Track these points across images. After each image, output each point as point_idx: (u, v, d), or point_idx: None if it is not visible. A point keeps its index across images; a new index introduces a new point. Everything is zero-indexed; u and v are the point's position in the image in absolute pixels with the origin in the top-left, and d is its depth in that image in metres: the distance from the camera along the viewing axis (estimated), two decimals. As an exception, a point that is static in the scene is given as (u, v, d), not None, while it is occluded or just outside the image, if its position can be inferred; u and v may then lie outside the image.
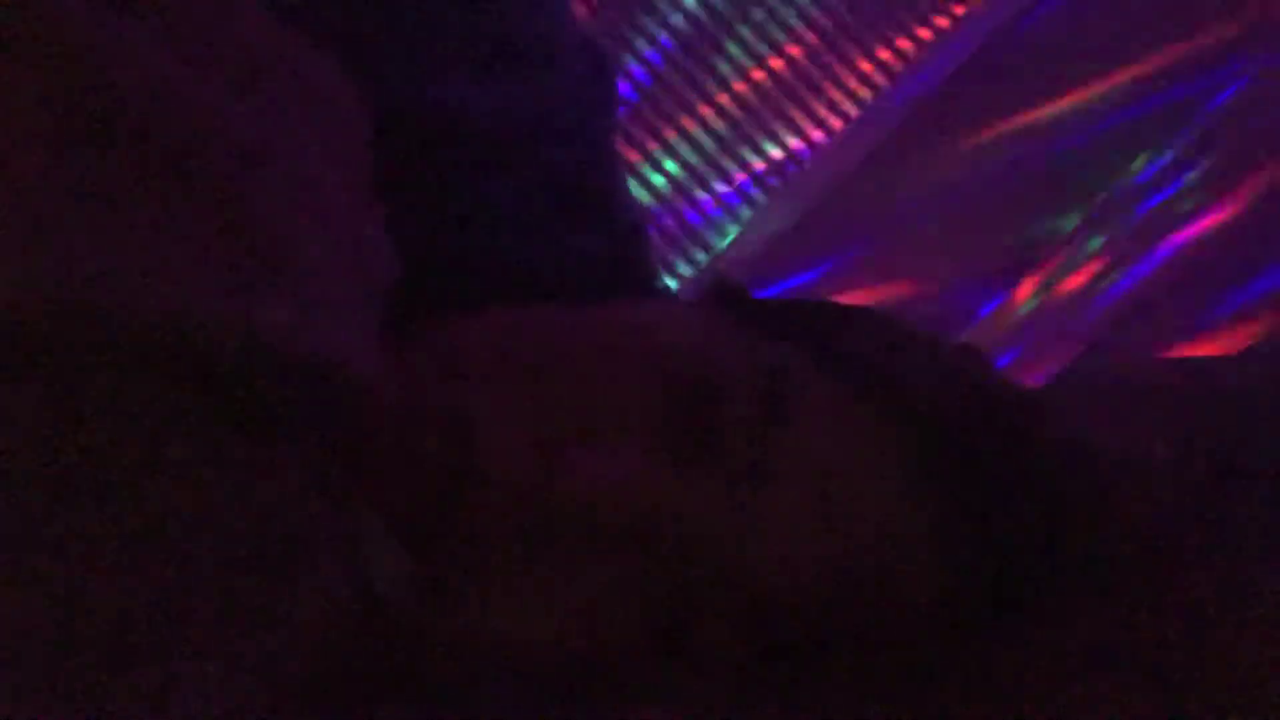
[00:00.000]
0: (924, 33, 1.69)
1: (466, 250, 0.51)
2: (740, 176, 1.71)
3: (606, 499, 0.39)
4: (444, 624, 0.39)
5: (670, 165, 1.70)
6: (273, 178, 0.35)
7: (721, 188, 1.71)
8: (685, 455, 0.41)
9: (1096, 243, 1.36)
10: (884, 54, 1.71)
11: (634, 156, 1.65)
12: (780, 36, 1.71)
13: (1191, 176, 1.34)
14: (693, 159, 1.71)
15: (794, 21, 1.74)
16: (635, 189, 1.64)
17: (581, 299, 0.50)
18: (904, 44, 1.70)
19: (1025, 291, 1.40)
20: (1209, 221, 1.21)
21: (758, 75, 1.71)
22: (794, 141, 1.71)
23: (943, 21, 1.68)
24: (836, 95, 1.72)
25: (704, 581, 0.40)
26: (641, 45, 1.68)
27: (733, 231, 1.69)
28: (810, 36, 1.72)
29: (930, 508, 0.43)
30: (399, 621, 0.38)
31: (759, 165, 1.72)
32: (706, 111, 1.70)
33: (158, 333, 0.31)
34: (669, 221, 1.68)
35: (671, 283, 1.63)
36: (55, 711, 0.29)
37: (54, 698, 0.29)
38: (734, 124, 1.71)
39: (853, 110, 1.70)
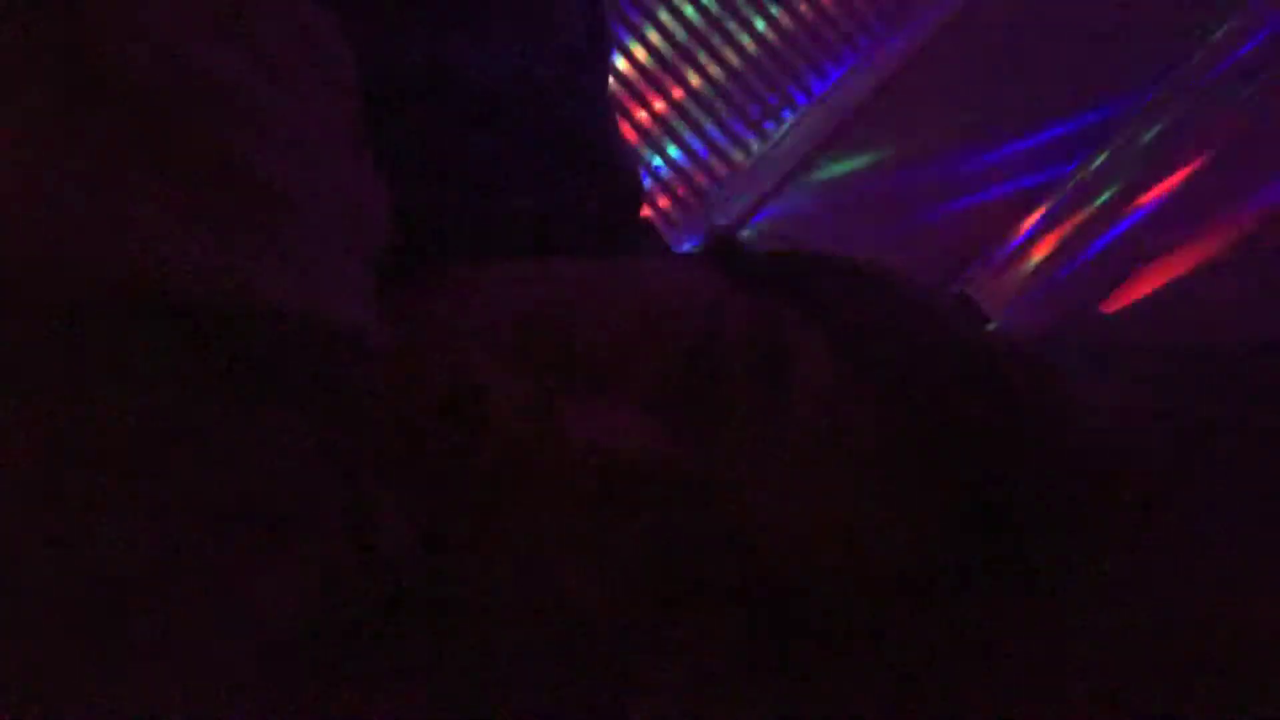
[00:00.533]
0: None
1: (461, 204, 0.50)
2: (729, 119, 1.70)
3: (609, 455, 0.39)
4: (448, 582, 0.39)
5: (659, 105, 1.69)
6: (263, 130, 0.34)
7: (710, 128, 1.70)
8: (686, 412, 0.41)
9: (1077, 202, 1.36)
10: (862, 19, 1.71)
11: (622, 96, 1.64)
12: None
13: (1142, 148, 1.35)
14: (681, 101, 1.69)
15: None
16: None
17: (577, 252, 0.50)
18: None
19: (1007, 250, 1.41)
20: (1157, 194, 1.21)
21: (739, 24, 1.70)
22: (771, 95, 1.70)
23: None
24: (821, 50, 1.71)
25: (705, 536, 0.41)
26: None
27: (721, 172, 1.68)
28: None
29: (922, 465, 0.43)
30: (404, 580, 0.38)
31: (749, 110, 1.71)
32: (697, 53, 1.69)
33: (149, 286, 0.30)
34: (658, 166, 1.68)
35: (656, 220, 1.63)
36: (56, 665, 0.29)
37: (55, 652, 0.29)
38: (724, 65, 1.69)
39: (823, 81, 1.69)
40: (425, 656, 0.39)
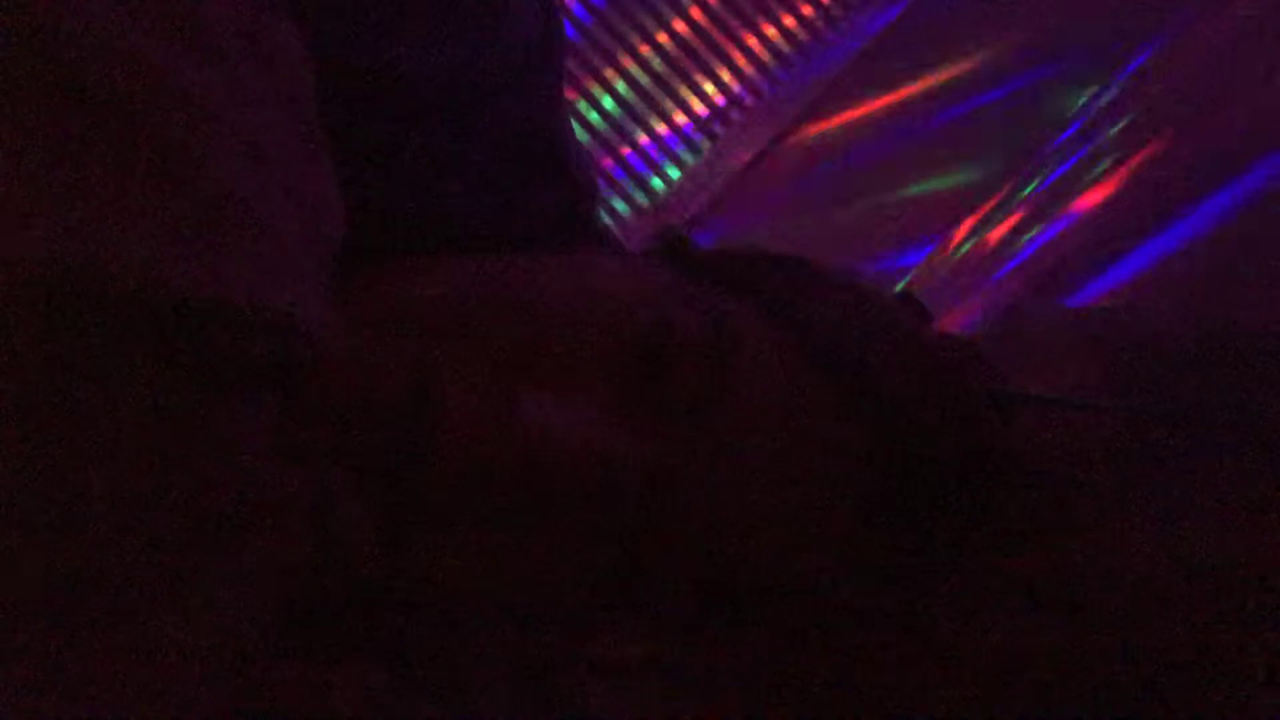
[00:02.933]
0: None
1: (415, 205, 0.51)
2: (680, 120, 1.71)
3: (562, 449, 0.40)
4: (405, 573, 0.40)
5: (609, 104, 1.69)
6: (222, 134, 0.35)
7: (661, 129, 1.71)
8: (637, 405, 0.42)
9: (1017, 199, 1.38)
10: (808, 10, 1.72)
11: (573, 95, 1.65)
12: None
13: (1104, 138, 1.37)
14: (631, 100, 1.70)
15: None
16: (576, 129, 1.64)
17: (531, 250, 0.51)
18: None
19: (949, 245, 1.43)
20: (1113, 185, 1.24)
21: (687, 25, 1.71)
22: (719, 98, 1.71)
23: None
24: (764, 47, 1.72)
25: (656, 525, 0.42)
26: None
27: (672, 173, 1.69)
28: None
29: (861, 453, 0.45)
30: (361, 572, 0.38)
31: (698, 110, 1.72)
32: (645, 52, 1.70)
33: (119, 290, 0.31)
34: (607, 162, 1.68)
35: (608, 220, 1.64)
36: (28, 654, 0.30)
37: (27, 642, 0.30)
38: (673, 67, 1.70)
39: (783, 61, 1.71)
40: (384, 646, 0.40)
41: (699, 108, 1.72)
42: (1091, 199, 1.27)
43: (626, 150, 1.71)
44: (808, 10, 1.73)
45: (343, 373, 0.39)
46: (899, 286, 1.36)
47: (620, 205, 1.68)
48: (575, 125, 1.65)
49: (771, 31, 1.73)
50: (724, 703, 0.42)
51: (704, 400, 0.43)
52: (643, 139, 1.70)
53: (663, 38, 1.71)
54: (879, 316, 0.49)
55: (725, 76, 1.72)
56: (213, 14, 0.37)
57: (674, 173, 1.70)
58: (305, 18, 0.42)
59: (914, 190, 1.54)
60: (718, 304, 0.45)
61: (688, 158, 1.71)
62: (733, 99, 1.72)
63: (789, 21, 1.73)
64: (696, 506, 0.42)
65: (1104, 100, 1.48)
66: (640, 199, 1.69)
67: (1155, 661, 0.41)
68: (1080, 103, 1.49)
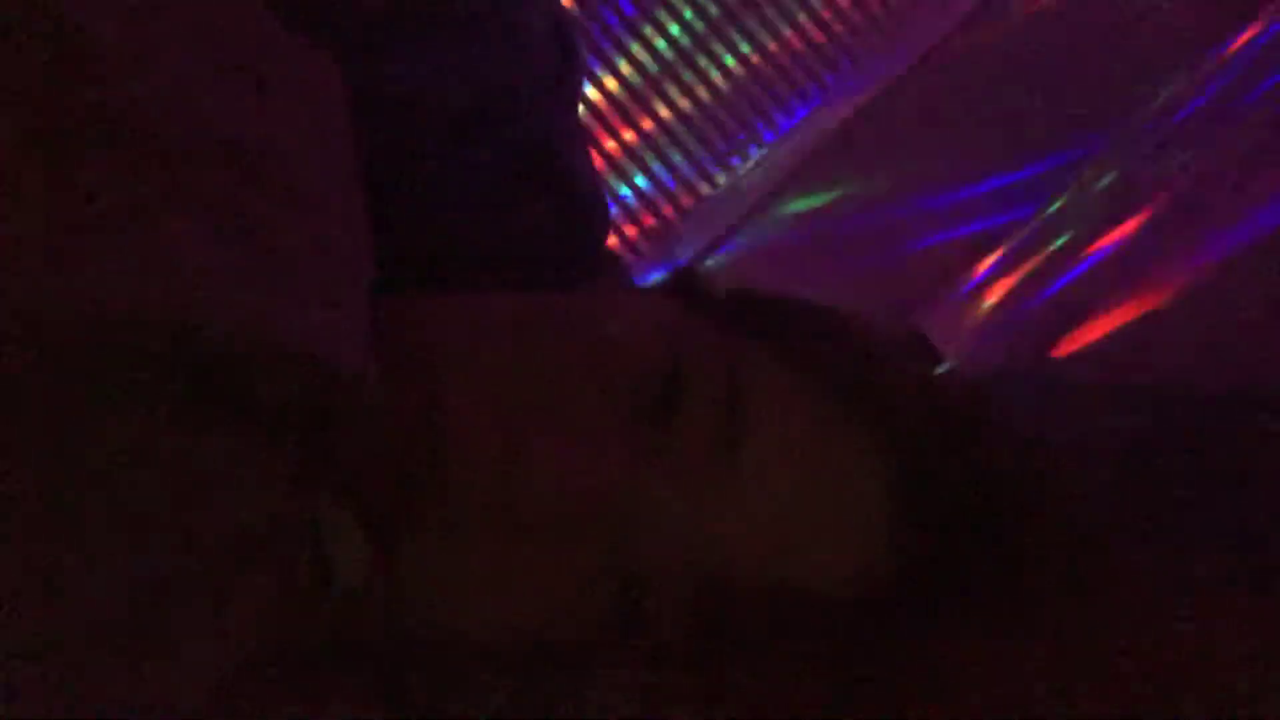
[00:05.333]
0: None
1: (423, 224, 0.51)
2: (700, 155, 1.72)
3: (570, 491, 0.40)
4: (403, 610, 0.40)
5: (628, 137, 1.70)
6: (268, 180, 0.35)
7: (679, 161, 1.71)
8: (650, 448, 0.42)
9: (1037, 242, 1.38)
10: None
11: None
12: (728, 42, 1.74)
13: (1134, 171, 1.37)
14: (651, 138, 1.71)
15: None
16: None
17: (538, 275, 0.51)
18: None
19: (963, 286, 1.43)
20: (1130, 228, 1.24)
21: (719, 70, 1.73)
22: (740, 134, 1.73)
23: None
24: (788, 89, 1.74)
25: (661, 567, 0.42)
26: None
27: (686, 207, 1.70)
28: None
29: (878, 496, 0.44)
30: (359, 607, 0.38)
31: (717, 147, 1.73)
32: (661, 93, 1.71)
33: (168, 334, 0.31)
34: (623, 191, 1.69)
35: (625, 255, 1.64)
36: (37, 683, 0.30)
37: (37, 670, 0.30)
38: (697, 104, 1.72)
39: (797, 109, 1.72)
40: (379, 685, 0.39)
41: (717, 141, 1.73)
42: (1109, 240, 1.26)
43: (641, 181, 1.71)
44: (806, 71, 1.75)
45: (360, 409, 0.38)
46: (910, 324, 1.36)
47: (634, 234, 1.68)
48: (592, 153, 1.65)
49: (799, 60, 1.74)
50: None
51: (718, 445, 0.42)
52: (659, 170, 1.71)
53: (685, 73, 1.72)
54: (895, 363, 0.49)
55: (745, 109, 1.74)
56: (258, 53, 0.37)
57: (688, 204, 1.71)
58: (323, 36, 0.42)
59: (928, 236, 1.55)
60: (732, 346, 0.45)
61: (703, 188, 1.71)
62: (751, 133, 1.73)
63: (810, 60, 1.74)
64: (695, 546, 0.42)
65: (1114, 151, 1.48)
66: (655, 229, 1.70)
67: None
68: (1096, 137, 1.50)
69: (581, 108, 0.63)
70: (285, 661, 0.36)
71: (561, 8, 0.60)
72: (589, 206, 0.58)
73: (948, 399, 0.48)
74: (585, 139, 0.62)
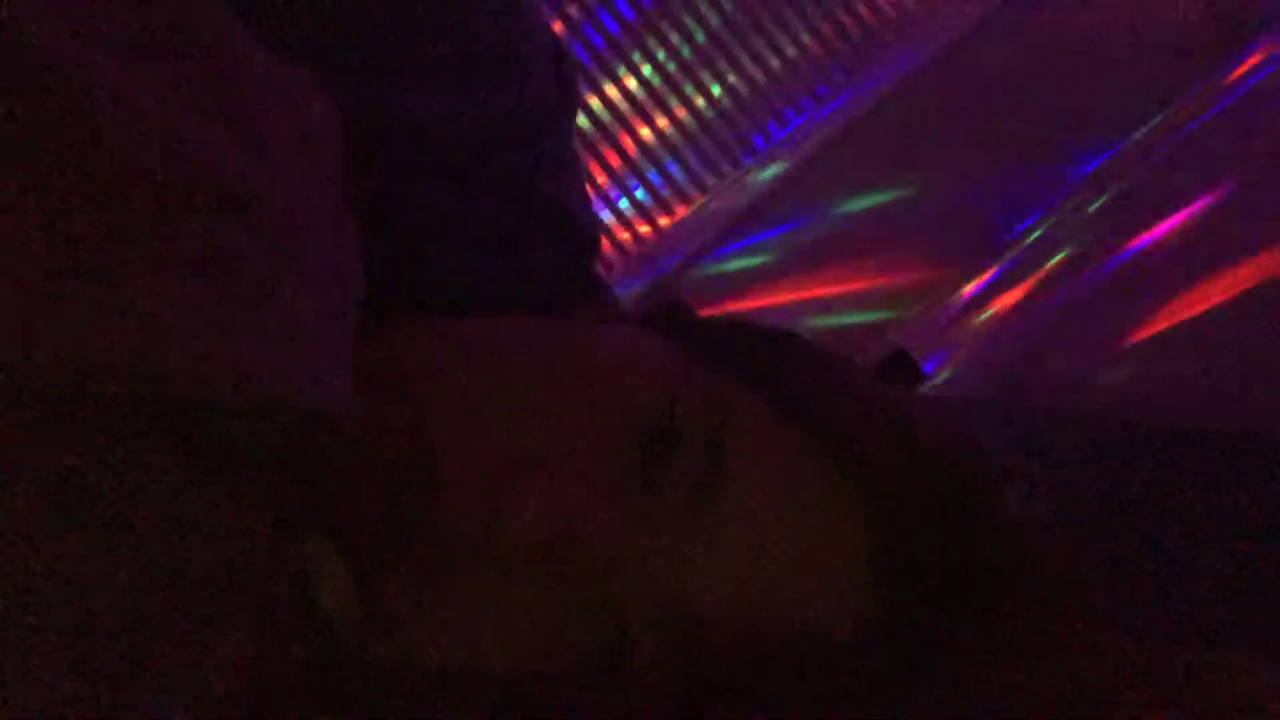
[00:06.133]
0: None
1: (416, 257, 0.51)
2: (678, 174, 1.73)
3: (556, 535, 0.40)
4: (385, 646, 0.40)
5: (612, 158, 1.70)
6: (256, 219, 0.35)
7: (656, 180, 1.72)
8: (635, 490, 0.42)
9: (1033, 257, 1.38)
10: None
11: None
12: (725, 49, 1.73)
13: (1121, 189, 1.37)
14: (631, 156, 1.71)
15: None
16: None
17: (530, 308, 0.51)
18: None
19: (945, 302, 1.43)
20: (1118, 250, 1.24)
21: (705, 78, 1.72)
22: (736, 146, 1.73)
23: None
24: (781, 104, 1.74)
25: (644, 612, 0.42)
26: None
27: (664, 225, 1.70)
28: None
29: (858, 541, 0.45)
30: (341, 644, 0.38)
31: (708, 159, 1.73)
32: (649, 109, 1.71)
33: (140, 383, 0.31)
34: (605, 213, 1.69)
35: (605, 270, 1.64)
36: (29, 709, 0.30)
37: (14, 714, 0.30)
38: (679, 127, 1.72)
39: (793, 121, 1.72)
40: (361, 710, 0.40)
41: (695, 160, 1.73)
42: (1107, 257, 1.26)
43: (623, 201, 1.72)
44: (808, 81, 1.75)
45: (348, 445, 0.39)
46: (891, 342, 1.36)
47: (611, 250, 1.68)
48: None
49: (778, 83, 1.74)
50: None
51: (700, 492, 0.43)
52: (635, 188, 1.71)
53: (668, 96, 1.72)
54: (882, 407, 0.49)
55: (724, 129, 1.74)
56: (246, 85, 0.37)
57: (665, 222, 1.71)
58: (330, 69, 0.42)
59: (913, 252, 1.54)
60: (716, 387, 0.46)
61: (680, 207, 1.72)
62: (728, 153, 1.73)
63: (790, 81, 1.74)
64: (678, 591, 0.42)
65: (1112, 168, 1.48)
66: (631, 245, 1.70)
67: None
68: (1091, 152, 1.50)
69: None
70: (267, 697, 0.37)
71: (558, 39, 0.60)
72: (582, 237, 0.58)
73: (924, 442, 0.48)
74: (579, 166, 0.62)
